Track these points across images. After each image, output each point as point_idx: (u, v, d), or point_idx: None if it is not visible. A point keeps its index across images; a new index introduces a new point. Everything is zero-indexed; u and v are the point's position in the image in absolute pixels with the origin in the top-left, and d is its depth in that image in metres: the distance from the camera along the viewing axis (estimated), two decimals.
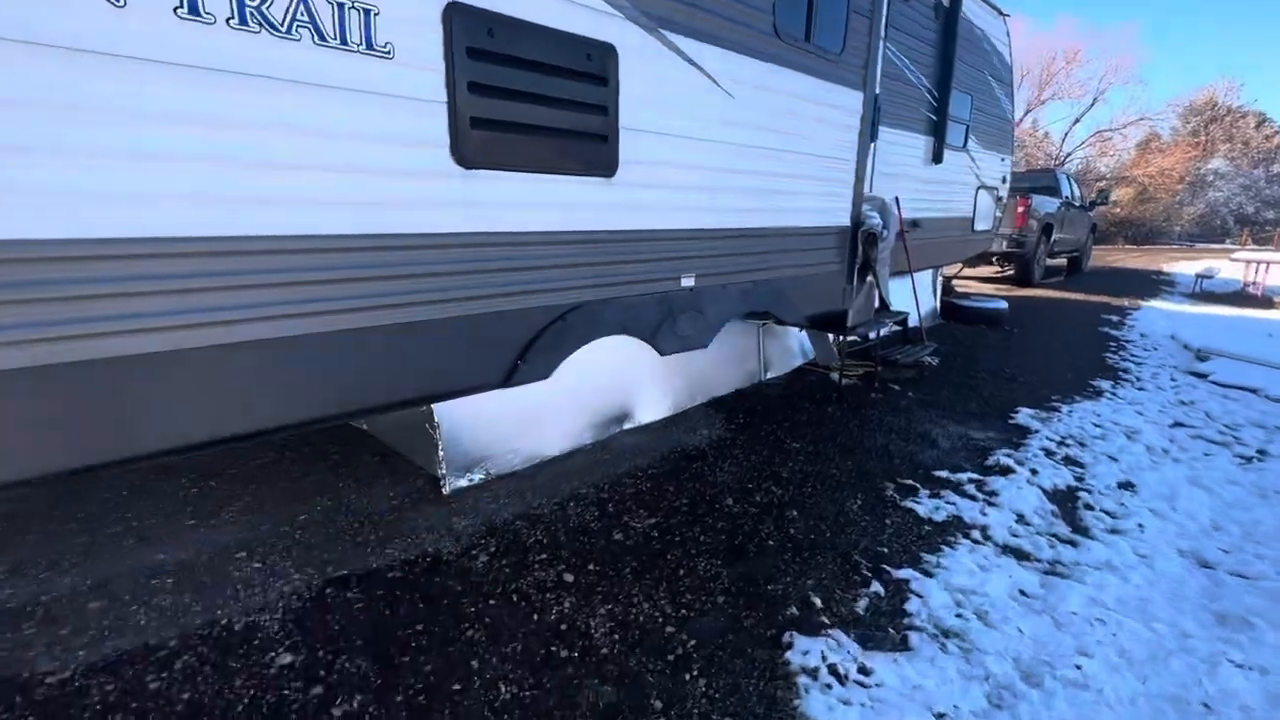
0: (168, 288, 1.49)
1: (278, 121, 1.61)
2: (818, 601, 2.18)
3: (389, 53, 1.78)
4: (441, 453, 2.76)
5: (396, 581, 2.18)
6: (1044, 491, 3.12)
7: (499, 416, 2.94)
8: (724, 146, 2.94)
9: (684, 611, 2.10)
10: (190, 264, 1.51)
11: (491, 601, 2.10)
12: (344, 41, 1.69)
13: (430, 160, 1.93)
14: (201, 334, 1.55)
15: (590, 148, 2.38)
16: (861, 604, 2.19)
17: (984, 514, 2.87)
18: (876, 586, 2.29)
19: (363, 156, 1.78)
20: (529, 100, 2.14)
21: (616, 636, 1.97)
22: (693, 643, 1.96)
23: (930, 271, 6.96)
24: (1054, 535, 2.74)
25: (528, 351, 2.32)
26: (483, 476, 2.92)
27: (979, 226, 6.84)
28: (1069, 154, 29.36)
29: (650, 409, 3.75)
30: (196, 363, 1.56)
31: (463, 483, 2.86)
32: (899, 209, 4.75)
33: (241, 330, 1.62)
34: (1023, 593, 2.32)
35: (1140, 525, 2.85)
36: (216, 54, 1.49)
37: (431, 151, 1.93)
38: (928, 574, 2.38)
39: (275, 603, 2.05)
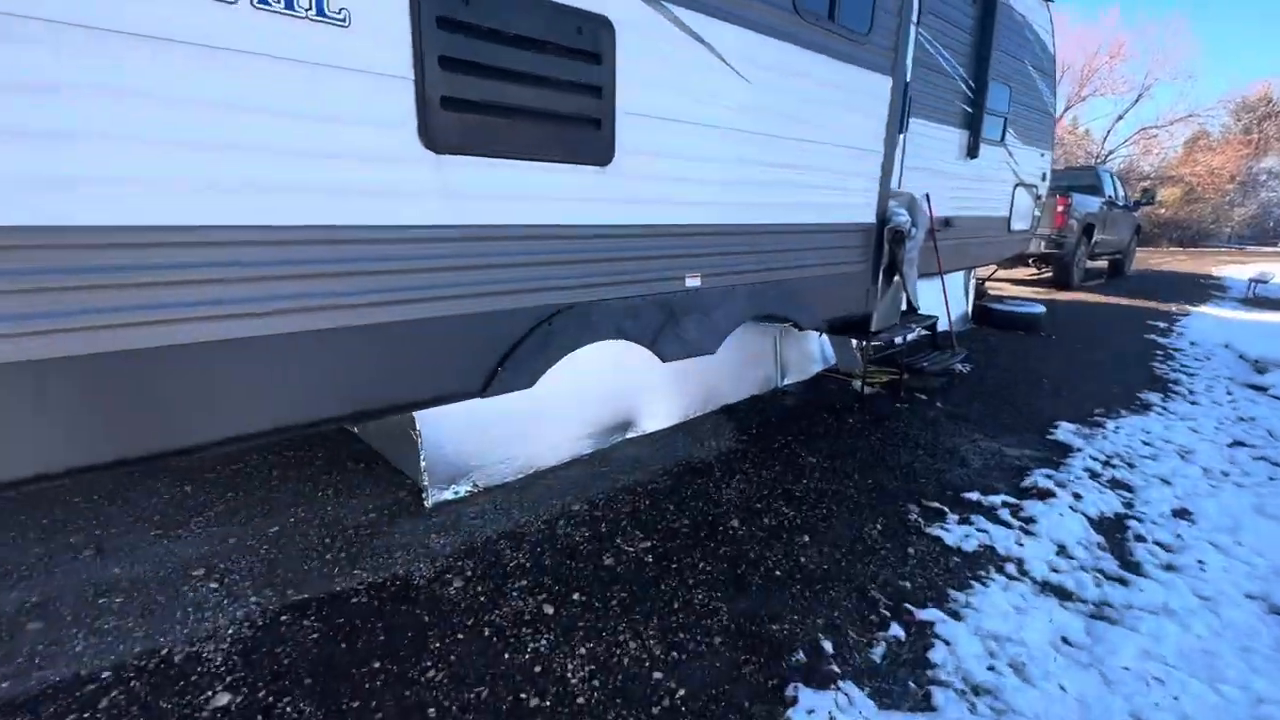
0: (55, 284, 1.29)
1: (210, 97, 1.41)
2: (828, 646, 1.92)
3: (344, 20, 1.57)
4: (423, 463, 2.57)
5: (359, 609, 1.98)
6: (1088, 519, 2.80)
7: (490, 423, 2.73)
8: (735, 134, 2.69)
9: (675, 653, 1.87)
10: (77, 257, 1.31)
11: (460, 636, 1.89)
12: (290, 6, 1.48)
13: (394, 144, 1.72)
14: (96, 338, 1.35)
15: (582, 133, 2.15)
16: (878, 651, 1.92)
17: (1020, 544, 2.57)
18: (896, 629, 2.02)
19: (312, 139, 1.57)
20: (510, 79, 1.92)
21: (596, 682, 1.74)
22: (682, 692, 1.73)
23: (962, 273, 6.59)
24: (1100, 571, 2.43)
25: (508, 358, 2.11)
26: (469, 489, 2.72)
27: (1016, 226, 6.45)
28: (1110, 152, 28.16)
29: (656, 417, 3.51)
30: (98, 369, 1.37)
31: (447, 495, 2.67)
32: (929, 206, 4.43)
33: (139, 335, 1.41)
34: (1066, 641, 2.03)
35: (1200, 562, 2.52)
36: (134, 17, 1.29)
37: (396, 134, 1.72)
38: (955, 615, 2.11)
39: (224, 630, 1.86)
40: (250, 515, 2.53)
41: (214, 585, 2.08)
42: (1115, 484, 3.19)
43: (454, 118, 1.81)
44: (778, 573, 2.29)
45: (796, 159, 3.04)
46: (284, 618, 1.93)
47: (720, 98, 2.58)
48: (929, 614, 2.10)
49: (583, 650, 1.85)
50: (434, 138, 1.78)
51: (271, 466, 2.97)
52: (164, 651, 1.77)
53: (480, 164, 1.91)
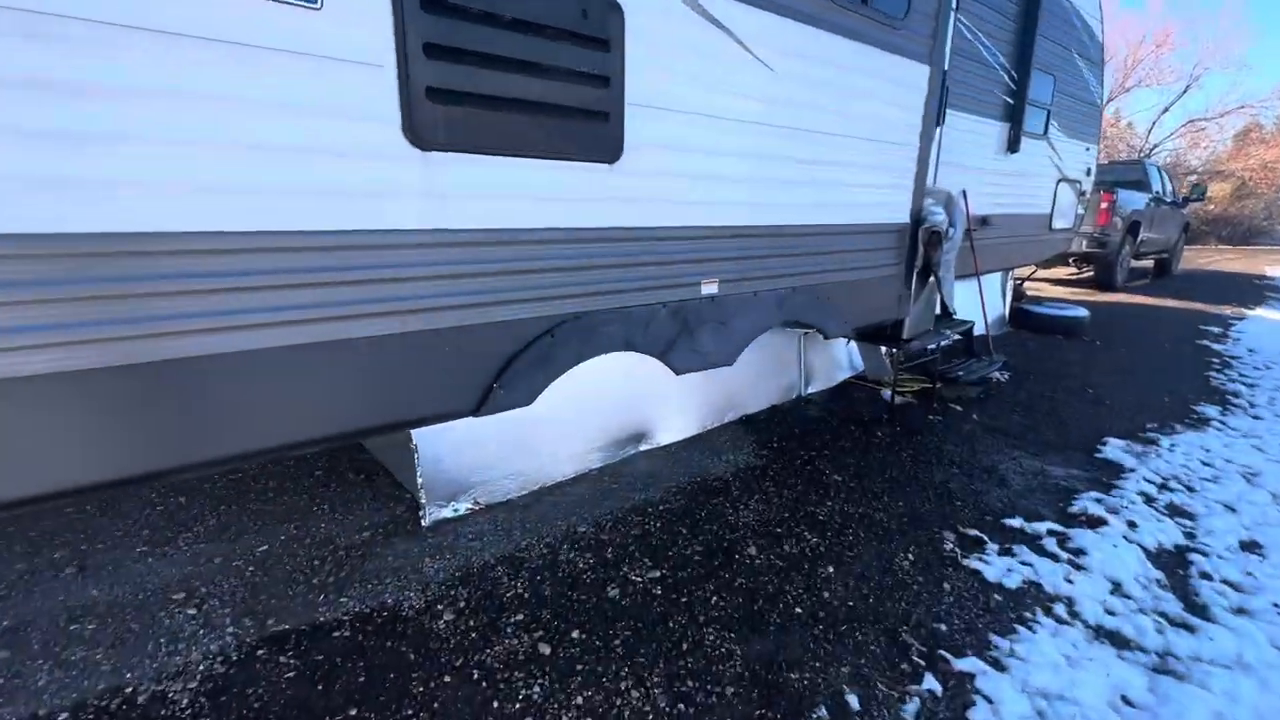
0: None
1: (162, 87, 1.26)
2: (854, 701, 1.72)
3: (315, 1, 1.41)
4: (420, 479, 2.42)
5: (341, 644, 1.83)
6: (1145, 551, 2.54)
7: (492, 435, 2.57)
8: (757, 128, 2.47)
9: (681, 705, 1.68)
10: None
11: (446, 679, 1.73)
12: None
13: (375, 140, 1.56)
14: (31, 358, 1.21)
15: (587, 128, 1.96)
16: (910, 708, 1.71)
17: (1069, 580, 2.32)
18: (931, 682, 1.80)
19: (280, 134, 1.41)
20: (506, 67, 1.74)
21: None
22: None
23: (999, 274, 6.25)
24: (1162, 614, 2.18)
25: (505, 373, 1.93)
26: (469, 506, 2.57)
27: (1058, 224, 6.09)
28: (1155, 145, 26.97)
29: (671, 428, 3.32)
30: (31, 391, 1.23)
31: (445, 513, 2.51)
32: (966, 204, 4.15)
33: (80, 356, 1.27)
34: (1126, 701, 1.80)
35: (1276, 605, 2.25)
36: None
37: (376, 129, 1.56)
38: (998, 665, 1.88)
39: (195, 666, 1.73)
40: (241, 531, 2.41)
41: (192, 612, 1.95)
42: (1174, 510, 2.91)
43: (442, 111, 1.64)
44: (798, 610, 2.08)
45: (824, 154, 2.81)
46: (260, 652, 1.79)
47: (741, 88, 2.37)
48: (968, 663, 1.88)
49: (579, 699, 1.68)
50: (420, 133, 1.61)
51: (270, 477, 2.85)
52: (128, 690, 1.64)
53: (472, 162, 1.74)
